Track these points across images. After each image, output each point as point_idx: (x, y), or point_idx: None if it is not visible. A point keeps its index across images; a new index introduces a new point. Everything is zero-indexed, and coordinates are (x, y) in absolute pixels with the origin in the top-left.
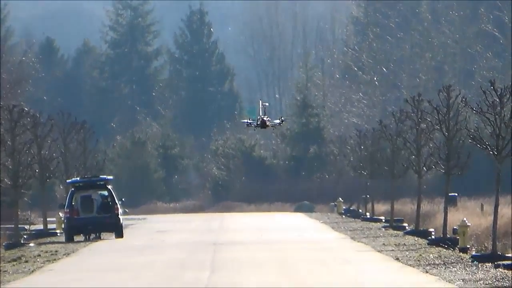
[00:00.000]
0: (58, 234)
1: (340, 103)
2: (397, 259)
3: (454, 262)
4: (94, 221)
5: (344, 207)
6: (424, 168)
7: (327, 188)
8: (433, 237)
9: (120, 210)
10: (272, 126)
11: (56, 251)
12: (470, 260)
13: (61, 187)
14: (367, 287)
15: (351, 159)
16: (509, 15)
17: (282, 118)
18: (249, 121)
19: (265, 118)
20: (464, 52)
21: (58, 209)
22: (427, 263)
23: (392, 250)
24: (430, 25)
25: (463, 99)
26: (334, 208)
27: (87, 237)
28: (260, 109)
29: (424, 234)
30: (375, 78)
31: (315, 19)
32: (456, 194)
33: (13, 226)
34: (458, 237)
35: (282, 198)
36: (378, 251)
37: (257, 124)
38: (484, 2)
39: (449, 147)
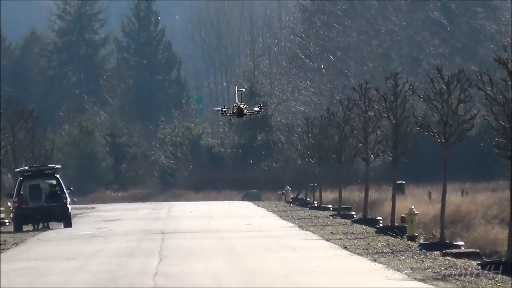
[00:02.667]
0: (7, 224)
1: (287, 91)
2: (345, 247)
3: (403, 251)
4: (43, 210)
5: (292, 196)
6: (371, 155)
7: (275, 176)
8: (381, 225)
9: (68, 199)
10: (250, 114)
11: (5, 241)
12: (418, 248)
13: (9, 176)
14: (314, 274)
15: (299, 147)
16: (455, 1)
17: (261, 105)
18: (223, 109)
19: (241, 106)
20: (411, 39)
21: (6, 198)
22: (375, 251)
23: (340, 239)
24: (377, 12)
25: (411, 87)
26: (282, 196)
27: (35, 226)
28: (236, 95)
29: (372, 223)
30: (322, 66)
31: (262, 6)
32: (404, 182)
33: None
34: (406, 225)
35: (230, 186)
36: (326, 240)
37: (233, 112)
38: None
39: (397, 134)
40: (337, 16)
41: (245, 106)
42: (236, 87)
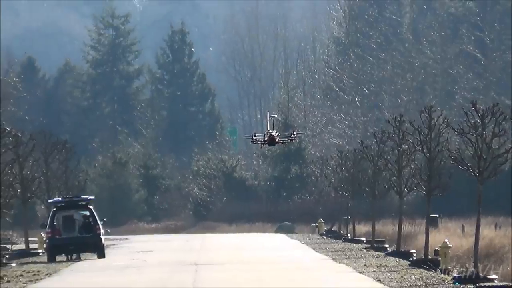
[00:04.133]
0: (40, 254)
1: (321, 123)
2: (379, 280)
3: (436, 284)
4: (76, 241)
5: (325, 228)
6: (405, 189)
7: (308, 209)
8: (414, 258)
9: (101, 230)
10: (282, 143)
11: (38, 271)
12: (452, 282)
13: (43, 207)
14: None
15: (332, 180)
16: (490, 36)
17: (295, 132)
18: (254, 137)
19: (273, 134)
20: (445, 72)
21: (40, 228)
22: (409, 284)
23: (374, 271)
24: (411, 45)
25: (445, 120)
26: (315, 229)
27: (69, 257)
28: (268, 122)
29: (406, 255)
30: (356, 99)
31: (296, 39)
32: (437, 215)
33: None
34: (439, 258)
35: (263, 218)
36: (360, 272)
37: (264, 140)
38: (465, 22)
39: (431, 168)
40: (371, 49)
41: (277, 134)
42: (268, 112)
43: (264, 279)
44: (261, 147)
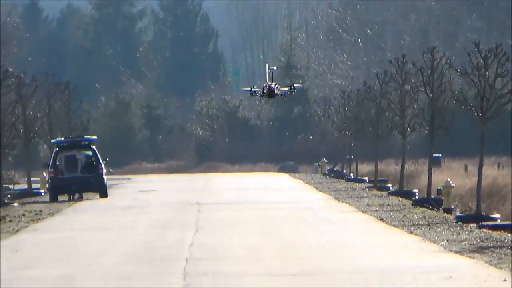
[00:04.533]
0: (42, 194)
1: (324, 64)
2: (381, 219)
3: (439, 223)
4: (78, 181)
5: (328, 168)
6: (408, 129)
7: (311, 149)
8: (417, 197)
9: (104, 170)
10: (281, 95)
11: (40, 211)
12: (454, 221)
13: (45, 147)
14: (350, 246)
15: (335, 120)
16: None
17: (293, 86)
18: (253, 89)
19: (273, 86)
20: (448, 13)
21: (42, 168)
22: (411, 223)
23: (376, 211)
24: None
25: (448, 61)
26: (318, 168)
27: (71, 197)
28: (267, 74)
29: (408, 195)
30: (359, 40)
31: None
32: (440, 155)
33: None
34: (442, 198)
35: (266, 158)
36: (362, 212)
37: (263, 92)
38: None
39: (433, 108)
40: None
41: (276, 86)
42: (267, 65)
43: (267, 218)
44: (260, 99)
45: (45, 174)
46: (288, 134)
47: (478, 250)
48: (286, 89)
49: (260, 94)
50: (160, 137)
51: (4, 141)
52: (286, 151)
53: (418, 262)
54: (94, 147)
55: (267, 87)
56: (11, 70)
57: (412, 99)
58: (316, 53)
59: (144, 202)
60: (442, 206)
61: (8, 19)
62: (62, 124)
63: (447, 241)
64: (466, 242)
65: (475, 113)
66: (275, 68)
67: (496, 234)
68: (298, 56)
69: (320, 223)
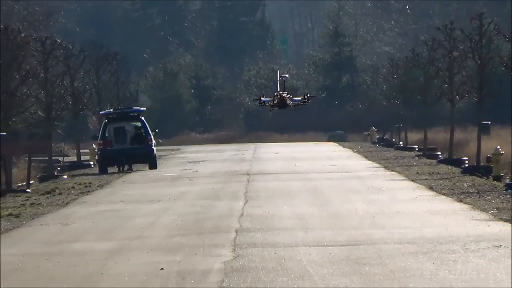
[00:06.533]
0: (92, 166)
1: (372, 31)
2: (431, 188)
3: (488, 191)
4: (128, 152)
5: (377, 136)
6: (457, 96)
7: (360, 118)
8: (466, 165)
9: (153, 141)
10: (294, 105)
11: (90, 183)
12: (504, 189)
13: (94, 119)
14: (400, 215)
15: (384, 88)
16: None
17: (308, 95)
18: (263, 99)
19: (284, 95)
20: None
21: (92, 140)
22: (461, 191)
23: (426, 179)
24: None
25: (496, 27)
26: (368, 137)
27: (120, 168)
28: (278, 82)
29: (458, 163)
30: (407, 7)
31: None
32: (489, 122)
33: (46, 158)
34: (491, 166)
35: (315, 127)
36: (412, 180)
37: (273, 103)
38: None
39: (482, 75)
40: None
41: (288, 95)
42: (278, 72)
43: (316, 187)
44: (270, 111)
45: (94, 146)
46: (337, 103)
47: None
48: (299, 98)
49: (270, 104)
50: (208, 107)
51: (53, 114)
52: (335, 120)
53: (468, 231)
54: (143, 118)
55: (278, 96)
56: (59, 41)
57: (461, 66)
58: (364, 20)
59: (193, 172)
60: (492, 174)
61: None
62: (110, 96)
63: (497, 209)
64: None
65: None
66: (287, 75)
67: None
68: (346, 24)
69: (370, 192)
